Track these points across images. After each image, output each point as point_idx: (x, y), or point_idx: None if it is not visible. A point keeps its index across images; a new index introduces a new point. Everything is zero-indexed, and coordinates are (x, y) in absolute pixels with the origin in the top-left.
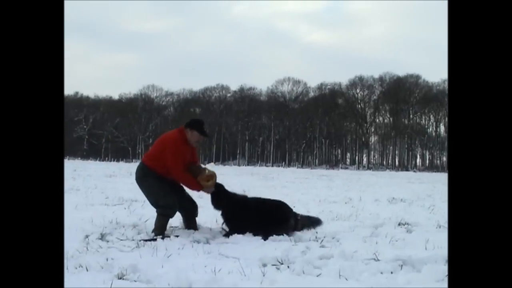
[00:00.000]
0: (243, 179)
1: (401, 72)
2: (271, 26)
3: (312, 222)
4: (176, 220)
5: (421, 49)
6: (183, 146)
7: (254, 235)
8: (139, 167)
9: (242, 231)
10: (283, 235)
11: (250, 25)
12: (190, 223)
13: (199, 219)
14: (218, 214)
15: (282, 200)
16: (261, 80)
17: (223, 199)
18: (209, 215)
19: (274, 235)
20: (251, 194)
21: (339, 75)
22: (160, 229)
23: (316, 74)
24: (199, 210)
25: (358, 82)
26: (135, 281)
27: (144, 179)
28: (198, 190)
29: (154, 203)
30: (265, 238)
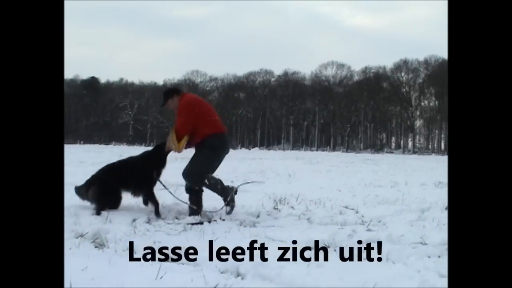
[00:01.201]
0: (288, 163)
1: (446, 54)
2: (313, 10)
3: None
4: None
5: None
6: None
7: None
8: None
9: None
10: None
11: (292, 9)
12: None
13: (245, 203)
14: (263, 198)
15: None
16: (305, 64)
17: None
18: (254, 199)
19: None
20: (296, 178)
21: (384, 59)
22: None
23: (360, 58)
24: (245, 194)
25: (403, 65)
26: (182, 263)
27: None
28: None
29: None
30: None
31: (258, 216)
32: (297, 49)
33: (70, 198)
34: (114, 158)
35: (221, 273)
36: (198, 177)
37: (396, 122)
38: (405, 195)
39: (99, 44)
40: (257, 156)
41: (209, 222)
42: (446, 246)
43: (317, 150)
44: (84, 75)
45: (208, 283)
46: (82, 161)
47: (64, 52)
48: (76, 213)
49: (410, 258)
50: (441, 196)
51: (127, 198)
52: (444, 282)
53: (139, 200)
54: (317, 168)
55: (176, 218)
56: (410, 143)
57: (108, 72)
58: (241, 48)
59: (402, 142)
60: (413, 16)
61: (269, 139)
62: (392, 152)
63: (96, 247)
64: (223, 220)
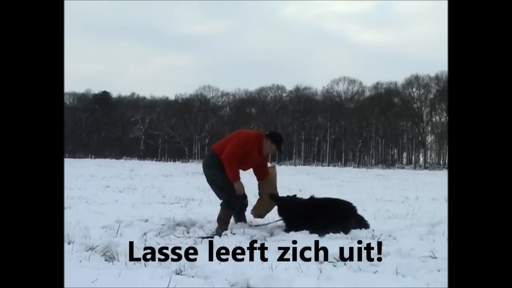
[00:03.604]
0: (299, 178)
1: None
2: (320, 27)
3: (363, 224)
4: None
5: None
6: (251, 147)
7: (311, 232)
8: (208, 155)
9: (299, 229)
10: (339, 232)
11: (299, 26)
12: (241, 216)
13: (258, 219)
14: (275, 214)
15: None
16: (317, 79)
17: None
18: (267, 215)
19: (331, 233)
20: (307, 193)
21: (395, 74)
22: (226, 223)
23: (372, 74)
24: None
25: (414, 81)
26: (192, 276)
27: (211, 167)
28: (233, 181)
29: (220, 193)
30: (322, 235)
31: (271, 232)
32: (308, 64)
33: (80, 212)
34: (125, 173)
35: (231, 286)
36: None
37: (407, 137)
38: (415, 209)
39: (111, 59)
40: None
41: (220, 236)
42: None
43: (328, 165)
44: (96, 89)
45: None
46: (93, 175)
47: (64, 56)
48: (86, 226)
49: (420, 271)
50: None
51: (137, 213)
52: None
53: (149, 214)
54: (328, 183)
55: (187, 232)
56: (421, 159)
57: (119, 87)
58: (252, 63)
59: (413, 158)
60: (422, 32)
61: (280, 154)
62: (403, 168)
63: (106, 260)
64: (234, 234)
